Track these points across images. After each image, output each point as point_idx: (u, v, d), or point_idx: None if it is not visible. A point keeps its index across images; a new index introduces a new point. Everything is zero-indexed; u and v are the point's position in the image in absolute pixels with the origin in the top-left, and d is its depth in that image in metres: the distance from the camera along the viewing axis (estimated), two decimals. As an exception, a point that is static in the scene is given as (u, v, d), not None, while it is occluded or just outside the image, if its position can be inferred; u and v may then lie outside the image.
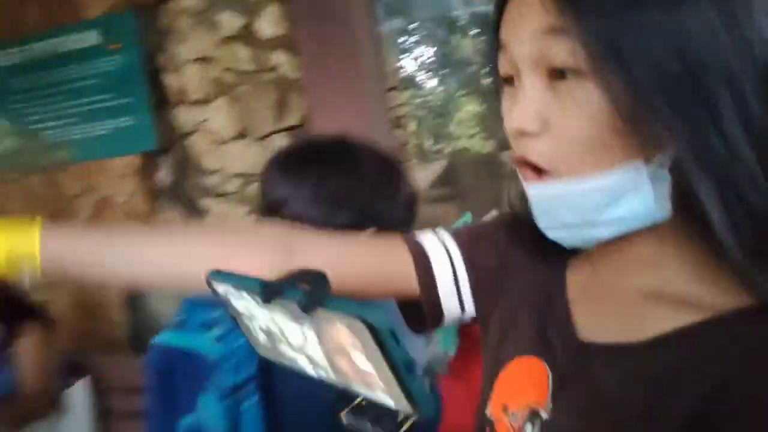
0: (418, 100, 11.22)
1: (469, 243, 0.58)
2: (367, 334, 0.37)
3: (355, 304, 0.38)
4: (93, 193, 2.25)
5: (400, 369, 0.38)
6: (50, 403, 1.76)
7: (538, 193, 0.43)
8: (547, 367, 0.48)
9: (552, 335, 0.49)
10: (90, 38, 2.10)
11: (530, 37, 0.39)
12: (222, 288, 0.46)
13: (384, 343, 0.37)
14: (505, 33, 0.42)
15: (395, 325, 0.41)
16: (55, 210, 2.32)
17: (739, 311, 0.39)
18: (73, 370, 1.91)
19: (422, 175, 5.41)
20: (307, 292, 0.39)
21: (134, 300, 2.27)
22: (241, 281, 0.45)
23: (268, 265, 0.48)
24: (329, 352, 0.42)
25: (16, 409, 1.69)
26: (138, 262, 0.55)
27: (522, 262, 0.55)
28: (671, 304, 0.42)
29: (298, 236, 0.60)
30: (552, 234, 0.44)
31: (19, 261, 0.51)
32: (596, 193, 0.39)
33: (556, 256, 0.51)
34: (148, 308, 2.26)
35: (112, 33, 2.05)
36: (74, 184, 2.27)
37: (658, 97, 0.35)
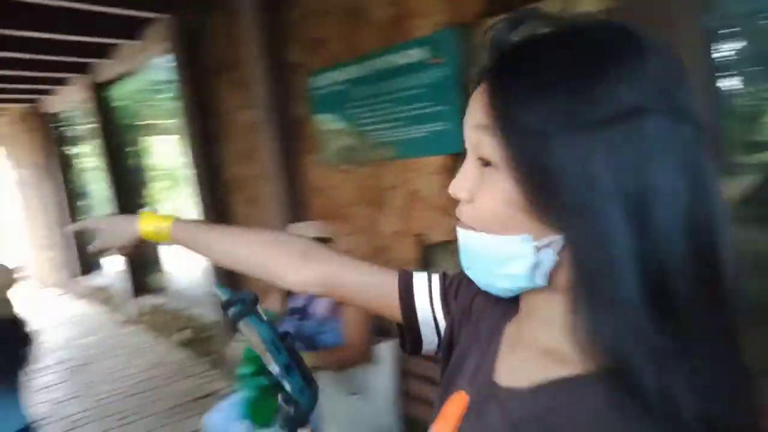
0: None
1: (449, 286, 0.72)
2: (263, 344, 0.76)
3: (260, 322, 0.78)
4: (405, 186, 2.64)
5: (281, 370, 0.73)
6: (366, 355, 2.17)
7: (462, 237, 0.54)
8: (468, 402, 0.58)
9: (479, 376, 0.58)
10: (418, 54, 2.47)
11: (470, 128, 0.51)
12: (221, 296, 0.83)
13: (269, 349, 0.74)
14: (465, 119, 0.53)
15: (276, 338, 0.76)
16: (375, 197, 2.80)
17: (592, 374, 0.45)
18: (380, 332, 2.30)
19: (728, 192, 4.67)
20: (236, 310, 0.78)
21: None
22: (224, 293, 0.83)
23: (292, 267, 0.80)
24: (259, 349, 0.76)
25: (342, 356, 2.13)
26: (223, 252, 0.87)
27: (482, 307, 0.66)
28: (555, 359, 0.50)
29: (316, 248, 0.81)
30: (468, 273, 0.55)
31: (159, 237, 0.92)
32: (495, 249, 0.49)
33: (506, 305, 0.61)
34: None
35: (437, 49, 2.37)
36: (392, 177, 2.70)
37: (543, 200, 0.45)
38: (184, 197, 5.50)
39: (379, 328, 2.31)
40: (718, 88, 1.99)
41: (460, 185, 0.52)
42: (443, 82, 2.38)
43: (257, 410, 1.16)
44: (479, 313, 0.65)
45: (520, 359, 0.54)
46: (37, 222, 8.22)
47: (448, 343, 0.69)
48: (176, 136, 4.72)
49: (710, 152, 0.44)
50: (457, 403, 0.59)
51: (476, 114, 0.50)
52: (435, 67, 2.40)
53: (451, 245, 2.48)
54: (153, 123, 6.33)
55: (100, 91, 5.33)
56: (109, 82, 5.23)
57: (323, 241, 2.21)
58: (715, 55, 1.92)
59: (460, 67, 2.32)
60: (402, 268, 0.77)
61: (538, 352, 0.52)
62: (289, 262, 0.80)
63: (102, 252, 0.99)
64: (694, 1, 1.73)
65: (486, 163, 0.50)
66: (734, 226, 0.46)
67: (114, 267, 6.17)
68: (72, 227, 1.06)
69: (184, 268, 5.71)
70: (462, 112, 0.50)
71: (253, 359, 1.16)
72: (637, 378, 0.40)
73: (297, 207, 3.15)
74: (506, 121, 0.46)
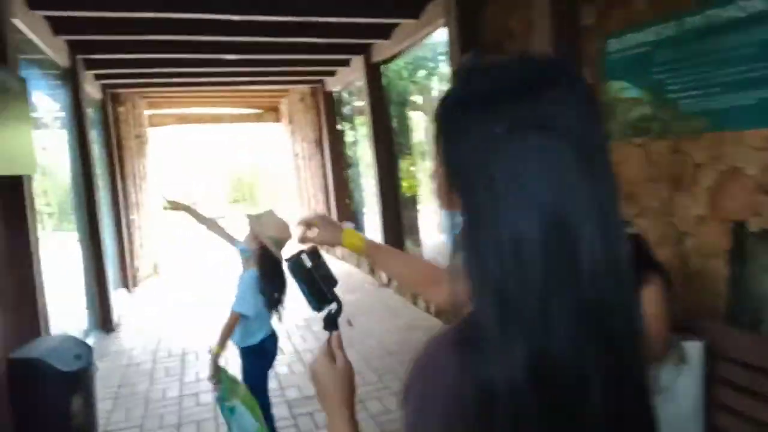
0: None
1: None
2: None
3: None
4: (719, 163, 2.26)
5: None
6: (664, 351, 1.93)
7: None
8: None
9: None
10: (751, 7, 2.06)
11: None
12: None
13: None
14: None
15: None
16: (673, 175, 2.46)
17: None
18: (682, 329, 2.02)
19: None
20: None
21: (738, 273, 2.20)
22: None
23: (432, 291, 1.16)
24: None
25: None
26: (392, 269, 1.27)
27: None
28: None
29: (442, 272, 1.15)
30: None
31: (357, 250, 1.19)
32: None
33: None
34: (752, 282, 2.15)
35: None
36: (700, 152, 2.34)
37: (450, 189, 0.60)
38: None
39: (683, 324, 2.04)
40: None
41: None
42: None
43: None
44: None
45: None
46: (308, 191, 9.47)
47: None
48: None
49: (589, 173, 0.54)
50: None
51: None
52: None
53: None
54: (419, 99, 6.70)
55: (374, 70, 5.80)
56: (384, 61, 5.65)
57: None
58: None
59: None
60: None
61: None
62: (431, 288, 1.16)
63: (307, 242, 1.17)
64: None
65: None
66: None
67: (371, 235, 6.78)
68: (308, 215, 1.25)
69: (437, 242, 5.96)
70: None
71: None
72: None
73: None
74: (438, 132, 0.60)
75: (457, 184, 0.57)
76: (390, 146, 6.12)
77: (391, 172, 6.17)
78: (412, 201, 6.97)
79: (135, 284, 7.39)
